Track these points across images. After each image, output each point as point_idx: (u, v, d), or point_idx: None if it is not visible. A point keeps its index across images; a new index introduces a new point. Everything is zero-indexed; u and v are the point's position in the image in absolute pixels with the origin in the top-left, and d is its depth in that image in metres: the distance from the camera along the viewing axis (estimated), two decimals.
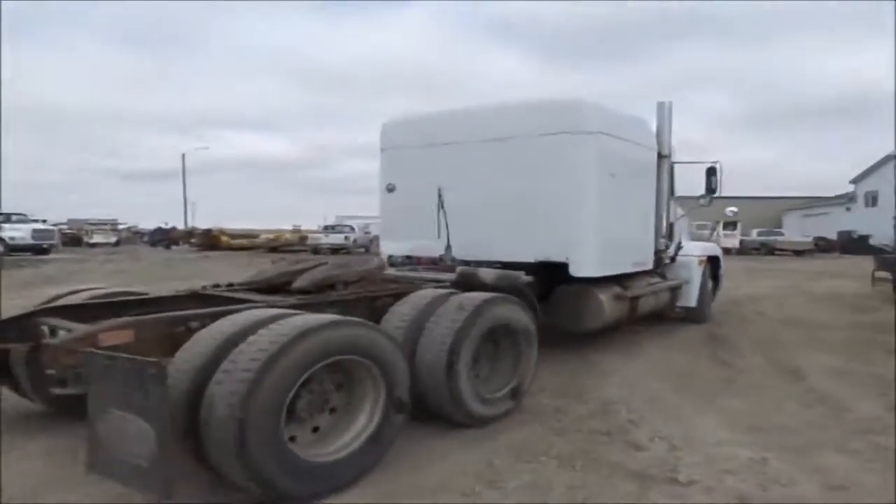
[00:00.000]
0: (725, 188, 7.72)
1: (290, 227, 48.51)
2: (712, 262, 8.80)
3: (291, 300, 4.16)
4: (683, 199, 8.41)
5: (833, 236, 42.63)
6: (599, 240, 5.96)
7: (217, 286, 4.85)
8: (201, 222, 46.91)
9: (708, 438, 3.93)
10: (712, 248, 9.31)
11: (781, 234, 39.41)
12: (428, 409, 3.89)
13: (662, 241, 7.29)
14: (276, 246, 36.94)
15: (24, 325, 3.64)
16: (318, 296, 4.36)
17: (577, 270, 5.80)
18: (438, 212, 6.41)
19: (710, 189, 7.69)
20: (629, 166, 6.53)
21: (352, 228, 36.91)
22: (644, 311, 6.88)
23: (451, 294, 4.38)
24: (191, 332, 3.26)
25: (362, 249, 35.46)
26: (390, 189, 6.99)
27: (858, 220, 45.87)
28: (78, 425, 3.17)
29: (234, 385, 2.73)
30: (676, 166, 7.62)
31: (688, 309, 8.09)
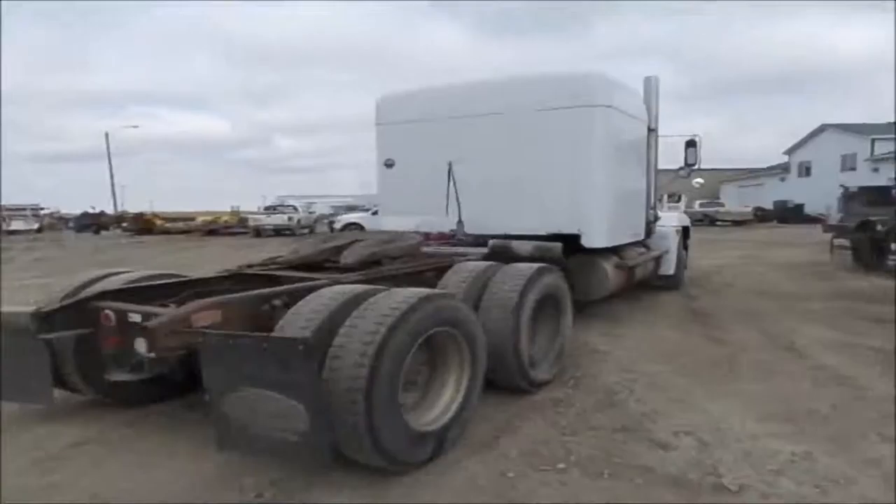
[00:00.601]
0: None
1: (228, 209, 46.74)
2: (684, 232, 8.97)
3: (344, 275, 4.17)
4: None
5: (769, 206, 44.09)
6: (608, 212, 6.12)
7: (251, 265, 4.81)
8: (132, 206, 44.51)
9: (737, 431, 3.48)
10: (684, 219, 9.30)
11: (722, 206, 40.31)
12: (489, 379, 3.77)
13: (651, 212, 7.40)
14: (215, 228, 35.35)
15: (69, 312, 3.50)
16: (368, 272, 4.38)
17: (589, 242, 5.91)
18: (448, 186, 6.34)
19: (689, 162, 7.86)
20: (629, 140, 6.61)
21: (295, 208, 35.53)
22: (637, 279, 7.07)
23: (498, 265, 4.55)
24: (274, 310, 3.40)
25: (306, 230, 34.38)
26: (389, 164, 6.89)
27: (792, 190, 47.58)
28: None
29: (356, 357, 2.75)
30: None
31: (667, 277, 8.28)
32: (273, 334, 2.94)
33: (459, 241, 6.11)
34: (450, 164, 6.37)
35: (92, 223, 40.37)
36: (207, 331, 2.91)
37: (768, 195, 48.01)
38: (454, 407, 3.31)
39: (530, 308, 4.21)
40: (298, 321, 3.01)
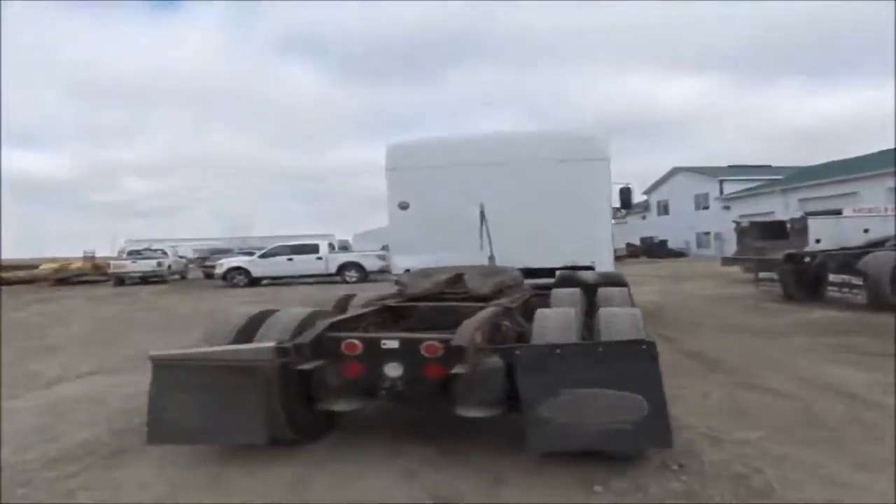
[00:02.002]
0: None
1: (80, 255, 41.31)
2: None
3: (491, 302, 4.64)
4: None
5: (635, 242, 47.08)
6: (610, 245, 7.42)
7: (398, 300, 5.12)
8: None
9: None
10: None
11: None
12: None
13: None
14: (66, 277, 30.87)
15: (310, 345, 3.60)
16: (500, 300, 4.76)
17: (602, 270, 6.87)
18: (482, 227, 7.00)
19: (626, 205, 8.74)
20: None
21: (164, 253, 32.13)
22: None
23: (588, 286, 5.52)
24: (500, 329, 4.13)
25: (177, 276, 31.17)
26: (403, 206, 7.44)
27: (653, 227, 51.41)
28: None
29: None
30: None
31: None
32: (603, 340, 3.55)
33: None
34: (482, 207, 6.99)
35: None
36: (522, 345, 3.56)
37: (631, 232, 51.28)
38: None
39: None
40: (562, 322, 3.79)
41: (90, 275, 31.66)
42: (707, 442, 3.90)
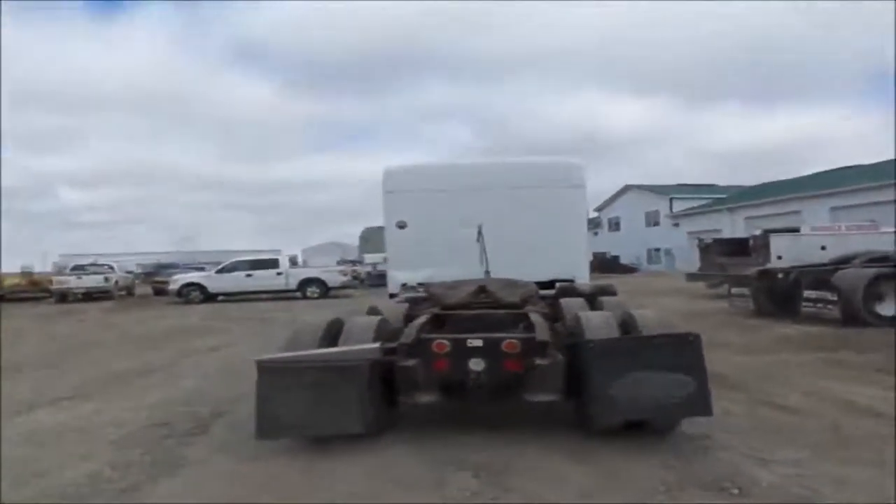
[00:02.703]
0: None
1: (16, 270, 38.96)
2: None
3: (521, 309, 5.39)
4: None
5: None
6: (587, 260, 8.35)
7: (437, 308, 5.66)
8: None
9: None
10: None
11: None
12: None
13: None
14: (2, 294, 28.95)
15: (409, 346, 4.31)
16: (531, 307, 5.49)
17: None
18: (481, 243, 7.57)
19: None
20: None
21: (111, 268, 30.68)
22: None
23: (587, 296, 6.15)
24: (555, 329, 5.04)
25: (124, 293, 29.75)
26: (401, 226, 8.05)
27: (605, 243, 52.51)
28: None
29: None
30: None
31: None
32: (660, 332, 4.30)
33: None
34: (479, 227, 7.59)
35: None
36: (595, 339, 4.21)
37: None
38: None
39: None
40: (605, 324, 4.50)
41: (29, 291, 29.86)
42: (754, 463, 3.83)
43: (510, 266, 7.14)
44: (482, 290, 5.76)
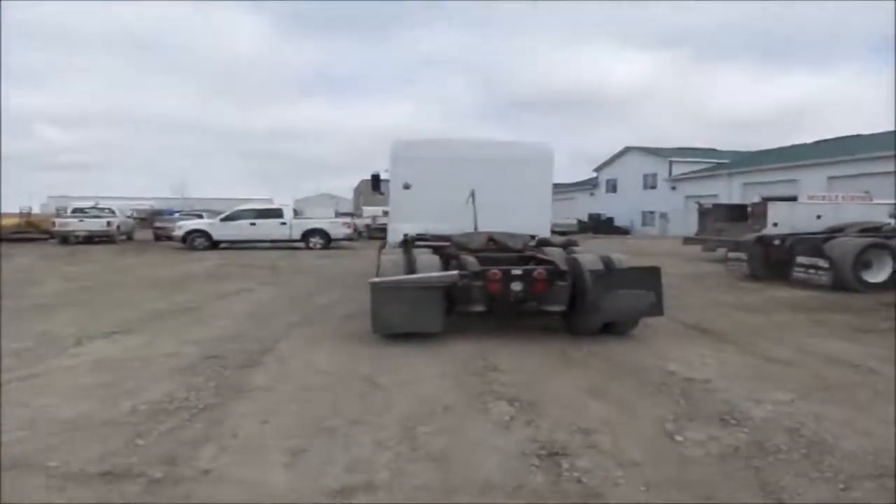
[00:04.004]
0: None
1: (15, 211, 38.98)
2: None
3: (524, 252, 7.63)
4: None
5: (583, 219, 48.24)
6: (549, 220, 10.13)
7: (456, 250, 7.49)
8: None
9: None
10: None
11: None
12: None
13: None
14: (1, 235, 29.19)
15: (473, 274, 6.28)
16: (529, 252, 7.62)
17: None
18: (473, 204, 9.29)
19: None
20: None
21: (112, 212, 30.86)
22: None
23: (560, 246, 7.97)
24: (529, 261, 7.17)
25: (124, 237, 30.05)
26: (407, 187, 9.91)
27: (601, 205, 52.89)
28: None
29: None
30: None
31: None
32: (631, 266, 6.81)
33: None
34: (472, 192, 9.32)
35: None
36: (594, 269, 6.41)
37: (578, 208, 52.62)
38: None
39: None
40: (594, 261, 6.63)
41: (29, 232, 30.15)
42: (749, 402, 4.42)
43: (491, 222, 8.85)
44: (491, 239, 7.78)
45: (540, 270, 6.32)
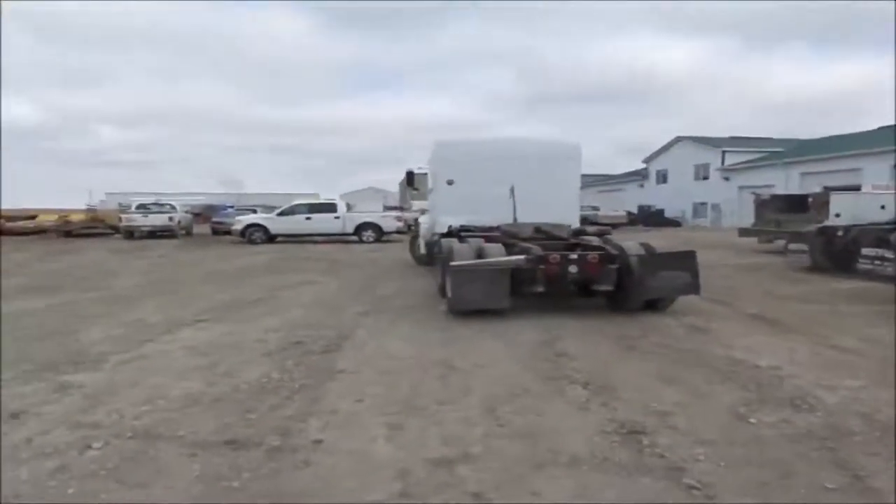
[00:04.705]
0: None
1: (81, 207, 41.07)
2: None
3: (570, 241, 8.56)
4: None
5: (633, 211, 47.54)
6: (578, 211, 11.54)
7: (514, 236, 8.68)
8: None
9: None
10: None
11: (598, 209, 42.49)
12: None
13: None
14: (70, 230, 30.83)
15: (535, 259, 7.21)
16: (575, 240, 8.50)
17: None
18: (513, 198, 10.07)
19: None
20: None
21: (173, 207, 32.19)
22: None
23: (595, 235, 8.96)
24: (576, 247, 8.13)
25: (183, 232, 31.23)
26: (450, 182, 11.02)
27: (651, 196, 51.97)
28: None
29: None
30: None
31: None
32: (670, 250, 8.18)
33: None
34: (512, 187, 10.08)
35: None
36: (636, 254, 7.38)
37: (628, 200, 51.79)
38: None
39: None
40: (637, 247, 7.58)
41: (96, 227, 31.74)
42: (820, 388, 4.52)
43: (526, 214, 9.80)
44: (538, 229, 9.06)
45: (594, 255, 7.25)
